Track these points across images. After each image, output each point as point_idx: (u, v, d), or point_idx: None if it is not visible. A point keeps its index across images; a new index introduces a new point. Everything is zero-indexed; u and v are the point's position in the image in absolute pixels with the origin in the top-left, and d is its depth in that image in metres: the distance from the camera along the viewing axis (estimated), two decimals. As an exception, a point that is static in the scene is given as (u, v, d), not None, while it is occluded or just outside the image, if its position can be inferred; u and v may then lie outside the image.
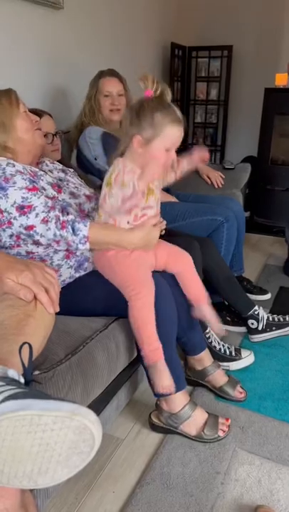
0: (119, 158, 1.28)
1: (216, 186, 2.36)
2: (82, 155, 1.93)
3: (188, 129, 3.91)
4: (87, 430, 0.54)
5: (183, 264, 1.40)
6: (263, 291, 2.22)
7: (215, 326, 1.44)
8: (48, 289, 0.86)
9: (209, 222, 1.89)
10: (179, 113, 1.23)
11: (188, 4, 3.59)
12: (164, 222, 1.42)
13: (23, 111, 1.36)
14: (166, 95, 1.24)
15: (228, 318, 1.94)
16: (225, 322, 1.95)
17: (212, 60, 3.61)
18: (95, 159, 1.90)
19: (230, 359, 1.65)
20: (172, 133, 1.22)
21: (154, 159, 1.23)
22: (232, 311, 1.92)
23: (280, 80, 3.06)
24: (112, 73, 2.00)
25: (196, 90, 3.76)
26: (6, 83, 1.38)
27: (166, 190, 2.19)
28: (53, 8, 2.12)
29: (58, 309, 0.88)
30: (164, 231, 1.41)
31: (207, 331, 1.63)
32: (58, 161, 1.66)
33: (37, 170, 1.38)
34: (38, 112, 1.71)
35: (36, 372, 0.96)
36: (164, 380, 1.21)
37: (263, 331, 1.79)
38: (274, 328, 1.79)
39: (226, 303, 1.89)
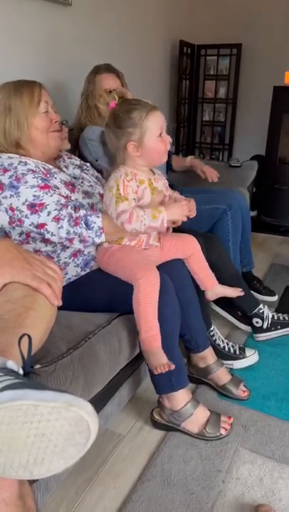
0: (120, 167, 1.29)
1: (210, 180, 2.27)
2: (83, 157, 1.92)
3: (196, 127, 3.90)
4: (83, 421, 0.54)
5: (192, 246, 1.42)
6: (271, 293, 2.19)
7: (234, 293, 1.51)
8: (49, 283, 0.86)
9: (212, 210, 1.87)
10: (147, 100, 1.27)
11: (198, 2, 3.57)
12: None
13: (44, 111, 1.33)
14: (126, 95, 1.28)
15: (239, 313, 1.93)
16: (235, 316, 1.94)
17: (221, 59, 3.59)
18: (96, 161, 1.89)
19: (235, 357, 1.64)
20: (154, 120, 1.25)
21: (154, 151, 1.27)
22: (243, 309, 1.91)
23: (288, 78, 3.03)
24: (108, 69, 1.98)
25: (204, 88, 3.74)
26: (8, 78, 1.37)
27: (170, 185, 2.18)
28: (61, 4, 2.12)
29: (60, 303, 0.87)
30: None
31: (211, 328, 1.62)
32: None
33: (51, 167, 1.37)
34: None
35: (37, 366, 0.96)
36: (161, 359, 1.20)
37: (268, 329, 1.78)
38: (279, 327, 1.78)
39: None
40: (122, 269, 1.27)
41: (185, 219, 1.35)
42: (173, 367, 1.20)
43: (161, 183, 1.36)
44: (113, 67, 2.00)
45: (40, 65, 2.07)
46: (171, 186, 2.16)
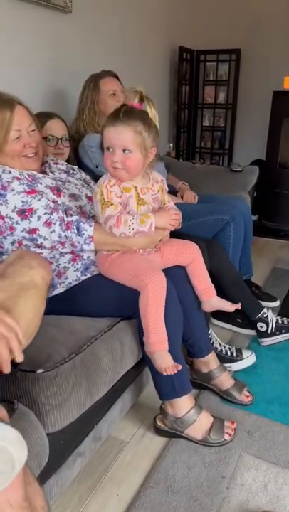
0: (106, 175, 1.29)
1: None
2: (83, 164, 1.92)
3: (197, 132, 3.91)
4: (5, 452, 0.54)
5: (192, 253, 1.40)
6: (272, 298, 2.18)
7: (230, 308, 1.45)
8: (7, 340, 0.76)
9: (215, 221, 1.87)
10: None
11: (197, 8, 3.60)
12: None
13: (15, 137, 1.28)
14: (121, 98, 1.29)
15: (239, 321, 1.92)
16: (236, 324, 1.94)
17: (220, 64, 3.62)
18: (96, 167, 1.90)
19: (232, 360, 1.63)
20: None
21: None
22: (243, 314, 1.90)
23: (288, 83, 3.05)
24: (109, 73, 2.01)
25: (204, 94, 3.76)
26: (10, 86, 1.37)
27: (172, 192, 2.18)
28: (61, 11, 2.14)
29: (20, 359, 0.78)
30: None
31: (209, 332, 1.61)
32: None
33: (35, 173, 1.37)
34: (46, 114, 1.70)
35: (40, 371, 0.95)
36: (168, 361, 1.20)
37: (272, 334, 1.77)
38: (283, 331, 1.77)
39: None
40: (126, 276, 1.26)
41: (171, 228, 1.34)
42: (180, 367, 1.20)
43: (150, 195, 1.32)
44: (112, 71, 2.02)
45: (40, 72, 2.08)
46: (173, 192, 2.17)
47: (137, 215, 1.24)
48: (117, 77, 2.02)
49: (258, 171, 2.73)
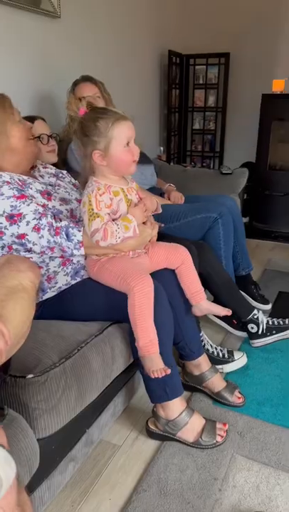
0: (91, 179, 1.29)
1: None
2: (70, 168, 1.92)
3: (187, 135, 3.93)
4: None
5: (182, 256, 1.40)
6: (265, 301, 2.19)
7: (221, 312, 1.45)
8: None
9: (203, 219, 1.87)
10: (116, 110, 1.27)
11: (186, 13, 3.62)
12: (161, 224, 1.43)
13: (18, 119, 1.35)
14: (97, 103, 1.27)
15: (234, 321, 1.93)
16: (230, 324, 1.94)
17: (209, 67, 3.64)
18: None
19: (223, 361, 1.64)
20: (121, 129, 1.24)
21: (120, 161, 1.26)
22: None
23: (277, 86, 3.08)
24: (85, 78, 2.01)
25: (194, 97, 3.78)
26: None
27: (160, 193, 2.19)
28: (49, 17, 2.14)
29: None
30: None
31: (200, 334, 1.62)
32: (52, 165, 1.66)
33: (26, 178, 1.38)
34: (31, 117, 1.73)
35: (29, 376, 0.95)
36: (158, 363, 1.20)
37: (263, 335, 1.77)
38: (274, 331, 1.78)
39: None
40: (114, 279, 1.27)
41: (144, 219, 1.35)
42: (169, 371, 1.20)
43: (134, 193, 1.35)
44: (91, 76, 2.02)
45: (29, 77, 2.08)
46: (160, 193, 2.18)
47: (121, 224, 1.25)
48: (95, 83, 2.01)
49: (248, 173, 2.75)
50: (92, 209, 1.23)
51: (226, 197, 2.13)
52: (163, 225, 1.43)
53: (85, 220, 1.24)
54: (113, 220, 1.27)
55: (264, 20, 3.42)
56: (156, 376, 1.19)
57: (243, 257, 2.09)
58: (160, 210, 1.41)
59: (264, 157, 3.28)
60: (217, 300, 1.77)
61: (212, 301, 1.52)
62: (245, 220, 3.34)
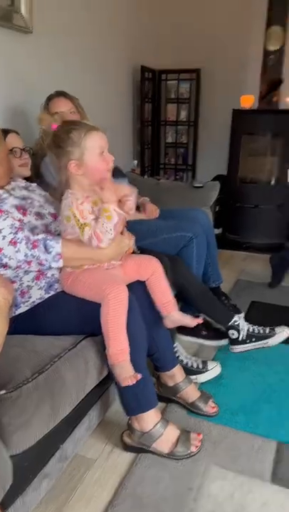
0: (68, 192, 1.31)
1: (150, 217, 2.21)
2: (45, 182, 1.93)
3: (160, 148, 4.00)
4: None
5: (153, 268, 1.42)
6: (237, 311, 2.23)
7: (191, 322, 1.46)
8: None
9: (179, 238, 1.92)
10: (88, 122, 1.33)
11: (157, 30, 3.72)
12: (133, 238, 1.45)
13: None
14: (67, 116, 1.31)
15: (204, 332, 1.96)
16: (201, 336, 1.97)
17: (181, 83, 3.73)
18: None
19: (198, 372, 1.67)
20: (94, 139, 1.28)
21: (96, 170, 1.28)
22: (207, 326, 1.94)
23: (246, 102, 3.18)
24: (59, 93, 2.02)
25: (166, 111, 3.86)
26: None
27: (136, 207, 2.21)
28: (21, 32, 2.16)
29: None
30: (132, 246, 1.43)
31: (175, 345, 1.64)
32: (25, 179, 1.66)
33: (1, 193, 1.38)
34: (4, 130, 1.72)
35: (2, 392, 0.95)
36: (129, 371, 1.21)
37: (243, 341, 1.80)
38: (254, 339, 1.81)
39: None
40: (88, 289, 1.28)
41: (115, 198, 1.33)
42: (140, 376, 1.21)
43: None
44: (64, 92, 2.04)
45: (1, 91, 2.08)
46: (136, 207, 2.20)
47: (103, 217, 1.25)
48: (69, 99, 2.03)
49: (219, 186, 2.82)
50: (79, 220, 1.25)
51: (199, 211, 2.18)
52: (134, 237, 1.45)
53: (78, 233, 1.26)
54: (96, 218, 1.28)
55: (233, 37, 3.54)
56: (128, 384, 1.20)
57: (214, 269, 2.14)
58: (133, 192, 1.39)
59: (235, 170, 3.37)
60: (195, 311, 1.80)
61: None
62: (218, 231, 3.41)
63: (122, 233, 1.38)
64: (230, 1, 3.52)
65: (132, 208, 1.34)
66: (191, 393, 1.52)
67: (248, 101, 3.17)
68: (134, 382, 1.20)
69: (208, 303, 1.82)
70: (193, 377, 1.63)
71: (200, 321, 1.48)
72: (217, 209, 3.24)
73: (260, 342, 1.80)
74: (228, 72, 3.63)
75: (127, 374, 1.21)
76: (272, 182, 3.34)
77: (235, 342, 1.82)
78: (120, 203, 1.31)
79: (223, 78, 3.66)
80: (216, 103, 3.75)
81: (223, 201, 3.32)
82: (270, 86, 3.17)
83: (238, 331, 1.79)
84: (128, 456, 1.36)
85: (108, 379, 1.34)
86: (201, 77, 3.66)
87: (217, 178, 3.48)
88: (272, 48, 3.17)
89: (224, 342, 1.90)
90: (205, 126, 3.83)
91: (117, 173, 1.83)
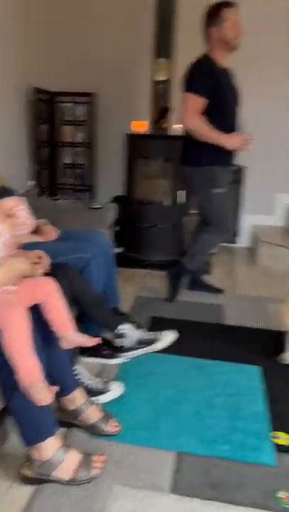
0: None
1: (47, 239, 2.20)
2: None
3: (58, 169, 3.99)
4: None
5: (47, 289, 1.40)
6: (140, 327, 2.28)
7: (88, 342, 1.47)
8: None
9: (77, 259, 1.92)
10: None
11: (51, 51, 3.76)
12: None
13: None
14: None
15: (105, 352, 1.98)
16: (102, 356, 1.99)
17: (77, 105, 3.80)
18: None
19: (100, 393, 1.68)
20: None
21: None
22: (109, 345, 1.97)
23: (137, 127, 3.34)
24: None
25: (63, 133, 3.88)
26: None
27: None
28: None
29: None
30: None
31: (74, 367, 1.63)
32: None
33: None
34: None
35: None
36: (43, 389, 1.20)
37: (133, 348, 1.87)
38: (143, 345, 1.88)
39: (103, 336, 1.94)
40: None
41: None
42: (55, 389, 1.23)
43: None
44: None
45: None
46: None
47: None
48: None
49: (117, 207, 2.90)
50: None
51: (99, 235, 2.21)
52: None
53: None
54: None
55: (124, 66, 3.73)
56: (46, 403, 1.20)
57: (112, 291, 2.18)
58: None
59: (132, 192, 3.50)
60: (88, 320, 1.82)
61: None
62: (120, 250, 3.49)
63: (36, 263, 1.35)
64: (119, 31, 3.71)
65: (26, 215, 1.32)
66: (92, 415, 1.52)
67: (140, 126, 3.33)
68: (52, 398, 1.19)
69: (100, 309, 1.87)
70: (95, 398, 1.64)
71: (98, 340, 1.49)
72: (117, 229, 3.32)
73: (148, 347, 1.91)
74: (123, 98, 3.79)
75: (43, 393, 1.19)
76: (167, 203, 3.52)
77: (124, 350, 1.88)
78: (11, 217, 1.29)
79: (116, 103, 3.81)
80: (112, 126, 3.87)
81: (123, 221, 3.41)
82: (160, 113, 3.38)
83: (125, 338, 1.87)
84: (28, 489, 1.30)
85: (4, 412, 1.28)
86: (96, 100, 3.76)
87: (117, 198, 3.58)
88: (160, 78, 3.40)
89: (125, 359, 1.94)
90: (103, 148, 3.93)
91: (3, 192, 1.79)
